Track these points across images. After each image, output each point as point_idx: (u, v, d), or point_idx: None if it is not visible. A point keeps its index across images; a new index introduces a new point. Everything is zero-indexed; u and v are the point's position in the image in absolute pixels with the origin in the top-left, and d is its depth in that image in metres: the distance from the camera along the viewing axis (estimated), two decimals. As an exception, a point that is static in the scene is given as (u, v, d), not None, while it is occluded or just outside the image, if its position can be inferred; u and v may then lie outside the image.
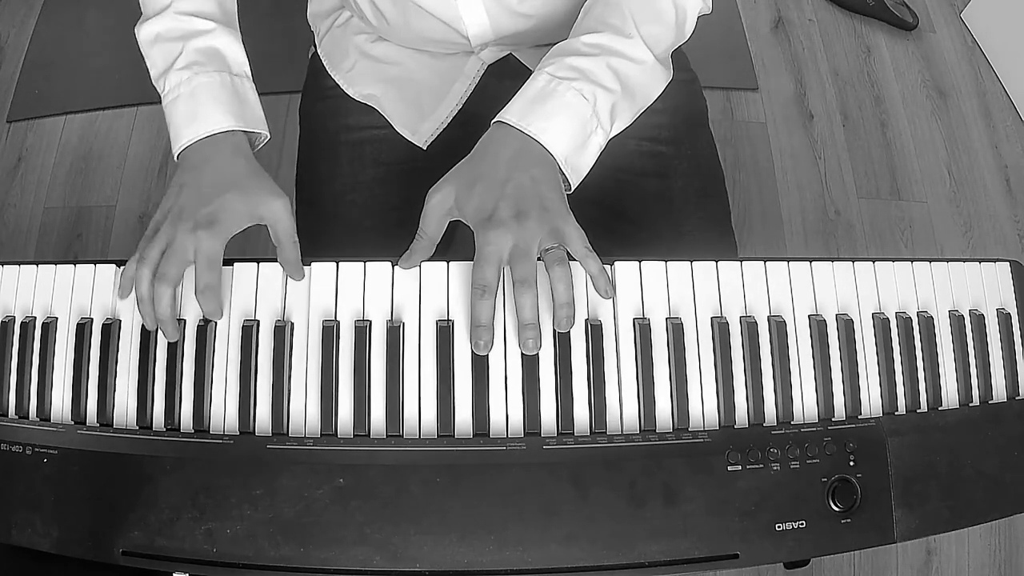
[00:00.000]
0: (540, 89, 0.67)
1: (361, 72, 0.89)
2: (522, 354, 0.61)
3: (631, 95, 0.70)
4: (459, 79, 0.87)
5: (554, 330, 0.62)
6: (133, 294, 0.63)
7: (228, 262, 0.64)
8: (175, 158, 0.69)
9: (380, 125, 0.88)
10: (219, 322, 0.63)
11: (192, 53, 0.71)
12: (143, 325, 0.62)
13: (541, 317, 0.61)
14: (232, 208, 0.65)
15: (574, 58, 0.68)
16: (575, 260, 0.62)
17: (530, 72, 0.68)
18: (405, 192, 0.86)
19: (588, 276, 0.62)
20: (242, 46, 0.75)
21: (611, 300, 0.63)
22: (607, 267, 0.63)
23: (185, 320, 0.63)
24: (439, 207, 0.64)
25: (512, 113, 0.66)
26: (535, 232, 0.61)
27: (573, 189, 0.67)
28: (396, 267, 0.64)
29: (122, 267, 0.64)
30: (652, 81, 0.72)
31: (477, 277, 0.60)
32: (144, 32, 0.73)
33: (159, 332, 0.62)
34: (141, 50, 0.74)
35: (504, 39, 0.83)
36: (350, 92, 0.89)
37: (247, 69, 0.74)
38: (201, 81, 0.70)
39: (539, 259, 0.62)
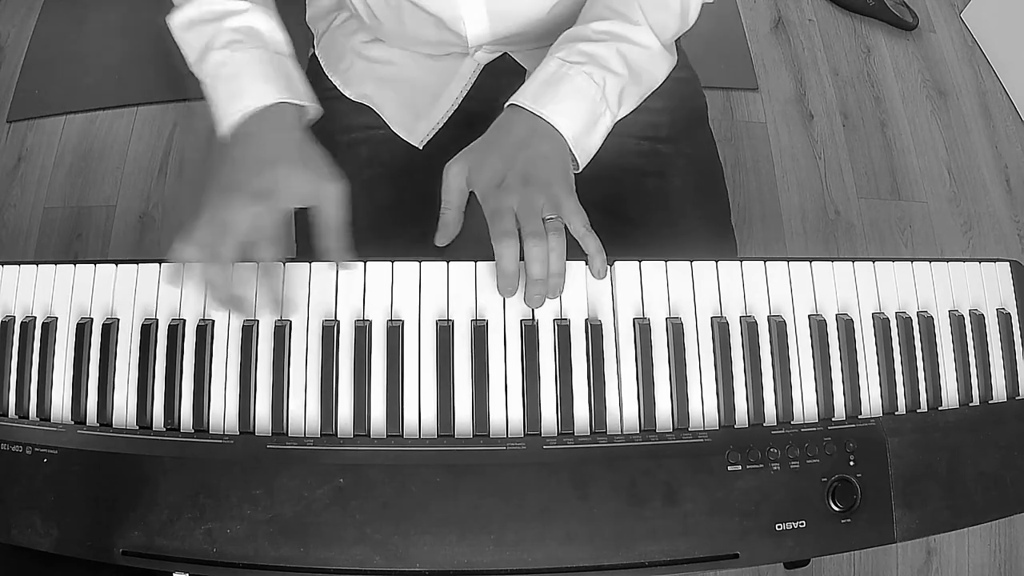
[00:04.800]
0: (552, 73, 0.68)
1: (357, 72, 0.89)
2: (522, 354, 0.61)
3: (638, 79, 0.72)
4: (454, 80, 0.87)
5: (555, 331, 0.62)
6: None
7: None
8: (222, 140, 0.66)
9: (377, 126, 0.88)
10: (218, 322, 0.62)
11: (229, 32, 0.68)
12: (142, 325, 0.62)
13: (541, 320, 0.61)
14: (290, 182, 0.60)
15: (584, 44, 0.69)
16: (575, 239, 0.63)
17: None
18: (402, 192, 0.86)
19: (587, 267, 0.63)
20: (281, 26, 0.71)
21: (611, 299, 0.63)
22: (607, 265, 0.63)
23: (184, 319, 0.63)
24: (458, 177, 0.66)
25: (525, 96, 0.68)
26: (538, 198, 0.62)
27: (582, 169, 0.69)
28: (434, 243, 0.65)
29: (121, 266, 0.64)
30: (657, 66, 0.74)
31: (497, 229, 0.61)
32: (177, 19, 0.70)
33: (158, 333, 0.62)
34: (175, 38, 0.71)
35: (501, 40, 0.83)
36: (346, 92, 0.89)
37: (288, 48, 0.71)
38: (242, 58, 0.67)
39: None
